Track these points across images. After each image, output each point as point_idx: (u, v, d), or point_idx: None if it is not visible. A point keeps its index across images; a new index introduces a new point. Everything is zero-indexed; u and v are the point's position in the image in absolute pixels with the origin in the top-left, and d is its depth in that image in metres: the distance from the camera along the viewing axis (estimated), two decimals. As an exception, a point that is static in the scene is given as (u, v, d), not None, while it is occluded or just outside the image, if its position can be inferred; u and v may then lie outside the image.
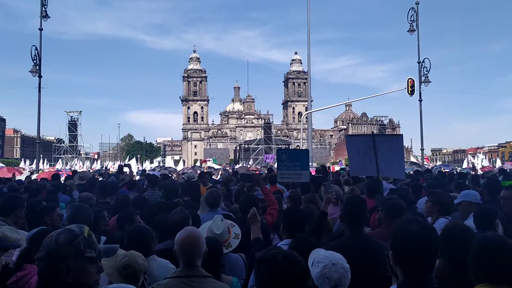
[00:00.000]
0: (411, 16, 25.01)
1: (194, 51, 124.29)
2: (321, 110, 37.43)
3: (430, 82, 24.95)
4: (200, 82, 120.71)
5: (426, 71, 24.80)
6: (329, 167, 27.69)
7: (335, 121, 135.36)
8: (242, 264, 3.75)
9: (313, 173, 12.06)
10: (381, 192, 6.56)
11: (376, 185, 6.70)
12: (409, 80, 26.38)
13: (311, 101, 34.99)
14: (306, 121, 38.74)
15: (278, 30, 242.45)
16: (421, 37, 25.25)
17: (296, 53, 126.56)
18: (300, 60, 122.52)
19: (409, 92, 26.35)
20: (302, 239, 3.44)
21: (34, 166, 32.68)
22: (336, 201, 6.63)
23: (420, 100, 25.47)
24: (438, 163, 71.16)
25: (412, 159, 50.17)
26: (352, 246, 3.32)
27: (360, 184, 8.00)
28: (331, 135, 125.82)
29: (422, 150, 27.00)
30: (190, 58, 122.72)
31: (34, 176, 16.42)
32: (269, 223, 5.04)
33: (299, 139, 57.06)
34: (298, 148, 41.83)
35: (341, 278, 2.49)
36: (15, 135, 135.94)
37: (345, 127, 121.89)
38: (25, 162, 53.21)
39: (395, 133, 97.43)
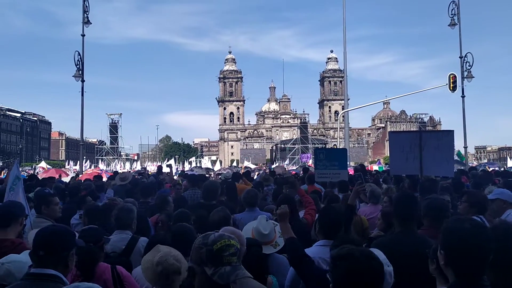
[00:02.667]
0: (452, 9, 24.22)
1: (230, 52, 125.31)
2: (358, 108, 36.85)
3: (473, 77, 24.09)
4: (236, 82, 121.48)
5: (469, 66, 23.95)
6: (367, 166, 27.25)
7: (373, 120, 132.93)
8: (287, 264, 3.74)
9: (351, 173, 11.89)
10: (436, 191, 6.29)
11: (431, 183, 6.48)
12: (451, 76, 25.56)
13: (348, 99, 34.54)
14: (343, 120, 38.24)
15: (313, 29, 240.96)
16: (462, 31, 24.43)
17: (332, 52, 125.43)
18: (336, 58, 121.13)
19: (451, 88, 25.53)
20: (342, 239, 3.40)
21: (78, 167, 33.86)
22: (377, 200, 6.53)
23: (463, 96, 24.69)
24: (484, 160, 68.50)
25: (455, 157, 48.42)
26: (401, 243, 3.25)
27: (405, 181, 7.78)
28: (369, 134, 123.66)
29: (465, 148, 26.11)
30: (226, 59, 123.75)
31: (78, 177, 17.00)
32: (309, 222, 5.02)
33: (336, 138, 56.41)
34: (335, 147, 41.35)
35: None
36: (60, 138, 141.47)
37: (383, 125, 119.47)
38: (69, 163, 55.25)
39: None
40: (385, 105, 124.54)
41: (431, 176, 7.48)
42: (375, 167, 33.55)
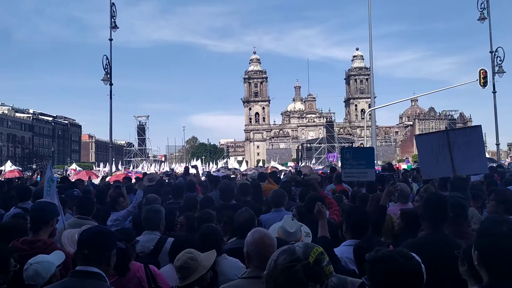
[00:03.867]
0: (481, 3, 23.62)
1: (254, 53, 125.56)
2: (385, 106, 36.23)
3: (505, 72, 23.47)
4: (261, 83, 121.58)
5: (500, 60, 23.34)
6: (395, 165, 26.77)
7: (401, 117, 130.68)
8: None
9: (378, 170, 11.72)
10: (465, 189, 6.12)
11: (460, 181, 6.32)
12: (481, 71, 24.90)
13: (375, 97, 34.05)
14: (369, 118, 37.75)
15: (338, 27, 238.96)
16: (492, 25, 23.85)
17: (357, 49, 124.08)
18: (362, 56, 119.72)
19: (482, 84, 24.88)
20: (368, 239, 3.36)
21: (107, 169, 34.58)
22: (405, 199, 6.40)
23: (494, 92, 24.08)
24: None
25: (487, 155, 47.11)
26: (430, 244, 3.19)
27: (435, 181, 7.59)
28: (397, 132, 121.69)
29: (497, 145, 25.40)
30: (251, 60, 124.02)
31: (107, 179, 17.36)
32: (336, 222, 4.98)
33: (363, 137, 55.65)
34: (362, 146, 40.84)
35: None
36: (90, 140, 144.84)
37: (411, 123, 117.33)
38: (98, 165, 56.52)
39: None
40: (413, 103, 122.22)
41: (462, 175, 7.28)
42: (404, 166, 32.99)
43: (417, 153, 8.54)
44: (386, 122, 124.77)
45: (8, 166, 38.77)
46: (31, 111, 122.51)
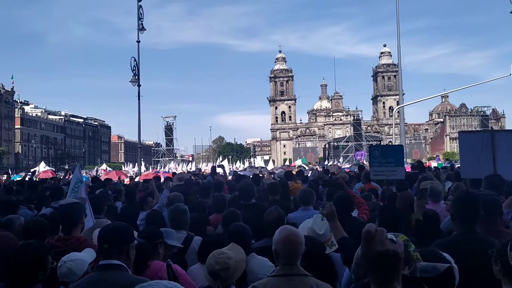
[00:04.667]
0: (514, -5, 22.78)
1: (280, 51, 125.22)
2: (415, 103, 35.50)
3: (540, 66, 22.59)
4: (287, 81, 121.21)
5: (535, 54, 22.51)
6: (425, 163, 26.19)
7: (430, 114, 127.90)
8: (342, 263, 3.68)
9: (408, 170, 11.50)
10: (501, 187, 5.90)
11: (495, 178, 6.11)
12: (515, 65, 24.06)
13: (403, 94, 33.36)
14: (398, 115, 37.04)
15: (365, 23, 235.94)
16: (527, 17, 22.93)
17: (385, 46, 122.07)
18: (390, 52, 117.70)
19: (515, 79, 24.04)
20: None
21: (136, 169, 35.19)
22: (437, 198, 6.25)
23: (529, 87, 23.26)
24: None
25: None
26: (462, 244, 3.11)
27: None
28: (426, 129, 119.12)
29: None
30: (276, 59, 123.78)
31: (136, 179, 17.64)
32: (365, 221, 4.90)
33: (391, 135, 54.75)
34: (390, 144, 40.20)
35: None
36: (119, 141, 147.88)
37: (441, 120, 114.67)
38: (127, 165, 57.61)
39: (499, 124, 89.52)
40: (443, 99, 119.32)
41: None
42: (434, 164, 32.24)
43: (447, 150, 8.30)
44: (415, 119, 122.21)
45: (42, 167, 39.93)
46: (63, 113, 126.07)
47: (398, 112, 33.57)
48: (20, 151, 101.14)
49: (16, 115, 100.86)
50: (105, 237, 2.79)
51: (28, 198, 8.19)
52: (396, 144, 29.87)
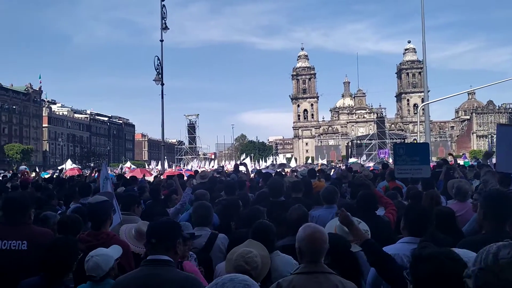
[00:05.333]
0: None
1: (302, 49, 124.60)
2: (440, 100, 34.78)
3: None
4: (309, 79, 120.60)
5: None
6: (450, 161, 25.62)
7: (456, 112, 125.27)
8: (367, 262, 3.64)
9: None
10: None
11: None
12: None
13: (428, 91, 32.74)
14: (422, 113, 36.42)
15: (389, 19, 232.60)
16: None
17: (409, 42, 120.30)
18: (414, 49, 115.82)
19: (546, 74, 23.29)
20: (433, 237, 3.24)
21: (159, 167, 35.58)
22: (463, 197, 6.13)
23: (560, 83, 22.48)
24: None
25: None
26: (491, 243, 3.02)
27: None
28: (452, 127, 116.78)
29: None
30: (298, 56, 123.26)
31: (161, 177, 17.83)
32: (390, 221, 4.86)
33: (416, 133, 53.91)
34: (415, 142, 39.53)
35: None
36: (143, 139, 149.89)
37: (468, 117, 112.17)
38: (151, 163, 58.31)
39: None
40: (470, 96, 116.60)
41: None
42: (460, 162, 31.56)
43: (473, 148, 8.12)
44: (440, 116, 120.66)
45: (69, 164, 40.79)
46: (88, 111, 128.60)
47: (423, 109, 33.00)
48: (47, 149, 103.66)
49: (43, 114, 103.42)
50: (154, 232, 2.84)
51: (57, 195, 8.39)
52: (421, 141, 29.35)
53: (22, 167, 34.05)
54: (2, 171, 38.17)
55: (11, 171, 30.31)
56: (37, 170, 36.43)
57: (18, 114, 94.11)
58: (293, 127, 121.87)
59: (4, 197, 4.46)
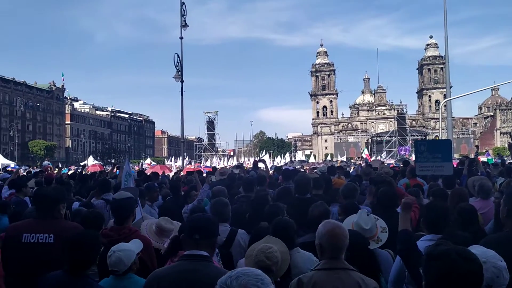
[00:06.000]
0: None
1: (321, 45, 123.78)
2: (463, 96, 34.09)
3: None
4: (328, 75, 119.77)
5: None
6: (471, 155, 25.14)
7: (480, 108, 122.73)
8: (391, 261, 3.62)
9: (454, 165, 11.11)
10: None
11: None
12: None
13: (450, 87, 32.18)
14: (444, 109, 35.78)
15: (410, 14, 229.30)
16: None
17: (431, 37, 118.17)
18: (436, 44, 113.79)
19: None
20: (452, 235, 3.20)
21: (179, 163, 35.92)
22: (486, 195, 6.02)
23: None
24: None
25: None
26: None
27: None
28: (475, 123, 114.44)
29: None
30: (318, 53, 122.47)
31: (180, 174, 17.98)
32: (412, 219, 4.80)
33: (437, 129, 52.96)
34: (437, 138, 38.92)
35: (494, 278, 2.24)
36: (163, 136, 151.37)
37: (491, 113, 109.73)
38: (170, 160, 58.90)
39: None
40: (493, 92, 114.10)
41: None
42: (483, 159, 30.95)
43: (497, 145, 7.98)
44: (463, 113, 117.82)
45: (91, 161, 41.57)
46: (109, 108, 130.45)
47: (445, 105, 32.42)
48: (70, 146, 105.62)
49: (66, 111, 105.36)
50: (198, 228, 2.82)
51: (79, 191, 8.56)
52: (443, 139, 28.86)
53: (46, 163, 34.79)
54: (27, 167, 39.05)
55: (35, 167, 31.03)
56: (60, 166, 37.18)
57: (41, 111, 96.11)
58: (312, 124, 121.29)
59: (35, 192, 4.58)
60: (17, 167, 30.69)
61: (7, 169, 27.69)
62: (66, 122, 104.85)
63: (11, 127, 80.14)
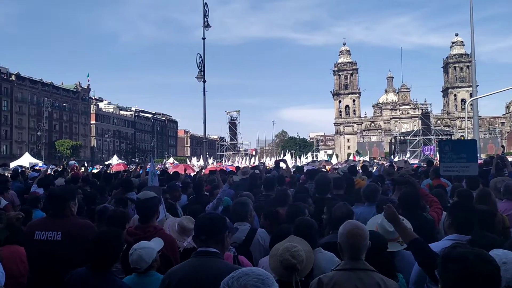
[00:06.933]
0: None
1: (344, 44, 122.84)
2: (489, 95, 33.30)
3: None
4: (351, 74, 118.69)
5: None
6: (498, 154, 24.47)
7: (507, 107, 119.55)
8: (414, 261, 3.58)
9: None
10: None
11: None
12: None
13: (477, 86, 31.49)
14: (471, 108, 35.03)
15: (435, 12, 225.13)
16: None
17: (456, 35, 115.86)
18: (462, 42, 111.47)
19: None
20: (479, 235, 3.15)
21: (201, 162, 36.20)
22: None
23: None
24: None
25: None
26: None
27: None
28: (502, 123, 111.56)
29: None
30: (340, 52, 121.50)
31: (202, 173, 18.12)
32: (434, 219, 4.75)
33: (463, 129, 51.83)
34: (462, 138, 38.12)
35: None
36: (185, 135, 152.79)
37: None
38: (193, 159, 59.41)
39: None
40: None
41: None
42: (511, 159, 30.14)
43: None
44: (490, 112, 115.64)
45: (115, 160, 42.35)
46: (133, 108, 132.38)
47: (471, 104, 31.74)
48: (95, 145, 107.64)
49: (91, 111, 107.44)
50: (202, 229, 2.93)
51: (104, 190, 8.74)
52: (469, 138, 28.26)
53: (72, 162, 35.53)
54: (54, 166, 40.02)
55: (61, 166, 31.77)
56: (85, 165, 37.94)
57: (68, 111, 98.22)
58: (334, 123, 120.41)
59: (48, 192, 4.73)
60: (45, 166, 31.47)
61: (35, 168, 28.41)
62: (91, 122, 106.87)
63: (38, 127, 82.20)
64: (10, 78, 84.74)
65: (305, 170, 12.61)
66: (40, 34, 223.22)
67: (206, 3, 22.55)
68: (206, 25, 22.58)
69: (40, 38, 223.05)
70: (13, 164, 33.41)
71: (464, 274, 1.83)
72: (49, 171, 18.48)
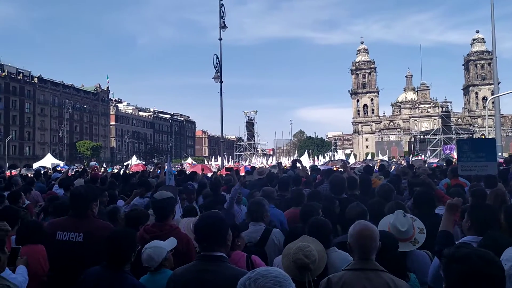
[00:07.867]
0: None
1: (362, 43, 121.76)
2: (511, 93, 32.62)
3: None
4: (369, 73, 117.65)
5: None
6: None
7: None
8: (428, 262, 3.55)
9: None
10: None
11: None
12: None
13: (498, 83, 30.91)
14: (492, 106, 34.38)
15: (455, 9, 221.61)
16: None
17: (477, 32, 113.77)
18: (483, 38, 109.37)
19: None
20: (494, 237, 3.12)
21: (219, 162, 36.35)
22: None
23: None
24: None
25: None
26: None
27: None
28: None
29: None
30: (358, 50, 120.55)
31: (218, 173, 18.22)
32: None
33: (485, 127, 50.94)
34: (483, 137, 37.38)
35: None
36: (203, 136, 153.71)
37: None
38: (211, 159, 59.73)
39: None
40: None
41: None
42: (534, 159, 29.44)
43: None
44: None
45: (134, 160, 42.83)
46: (151, 109, 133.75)
47: (492, 102, 31.15)
48: (114, 146, 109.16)
49: (111, 113, 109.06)
50: (202, 237, 2.92)
51: (122, 190, 8.88)
52: (490, 137, 27.73)
53: (93, 163, 36.10)
54: (76, 166, 40.68)
55: (82, 167, 32.31)
56: (105, 166, 38.48)
57: (88, 112, 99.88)
58: (352, 123, 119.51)
59: (70, 192, 4.81)
60: (66, 167, 32.05)
61: (57, 168, 28.98)
62: (111, 123, 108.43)
63: (60, 128, 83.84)
64: (33, 81, 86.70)
65: (321, 170, 12.58)
66: (61, 38, 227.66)
67: (222, 4, 22.63)
68: (223, 26, 22.66)
69: (61, 41, 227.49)
70: (36, 165, 34.10)
71: (467, 275, 1.83)
72: (70, 172, 18.82)
